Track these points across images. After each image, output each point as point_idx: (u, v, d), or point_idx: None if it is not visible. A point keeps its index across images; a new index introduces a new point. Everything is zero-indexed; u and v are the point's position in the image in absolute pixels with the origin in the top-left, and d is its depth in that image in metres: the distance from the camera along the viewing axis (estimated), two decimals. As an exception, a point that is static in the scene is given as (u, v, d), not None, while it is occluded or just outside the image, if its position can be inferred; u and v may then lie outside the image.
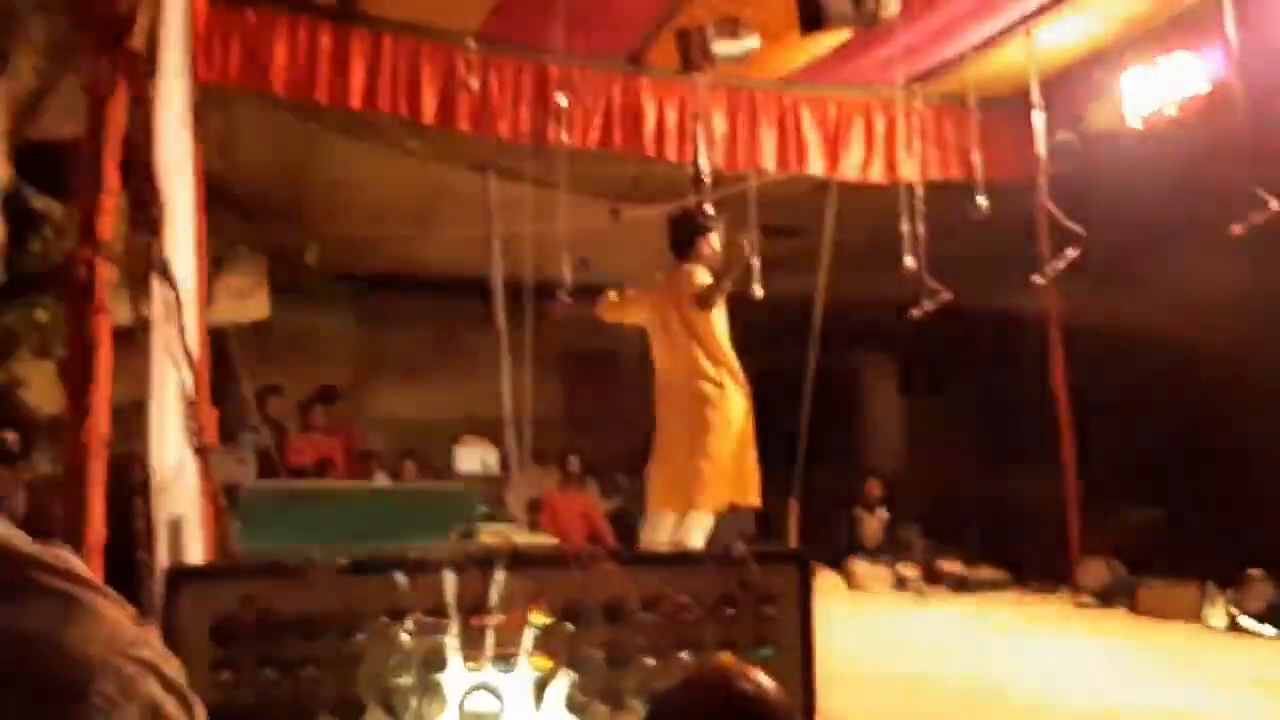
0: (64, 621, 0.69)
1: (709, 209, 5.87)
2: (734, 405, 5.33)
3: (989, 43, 6.44)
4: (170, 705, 0.73)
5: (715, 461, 5.24)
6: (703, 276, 5.39)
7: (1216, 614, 6.55)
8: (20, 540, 0.73)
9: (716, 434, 5.26)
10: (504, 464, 8.56)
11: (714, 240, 5.52)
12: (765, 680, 1.48)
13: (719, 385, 5.31)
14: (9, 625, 0.68)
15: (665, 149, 6.73)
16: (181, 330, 3.63)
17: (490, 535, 4.90)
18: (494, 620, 2.57)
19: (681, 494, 5.26)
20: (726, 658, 2.45)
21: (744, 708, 1.44)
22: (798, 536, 7.29)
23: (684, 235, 5.55)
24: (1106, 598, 7.33)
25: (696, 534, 5.19)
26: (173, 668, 0.74)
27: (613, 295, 5.73)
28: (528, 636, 2.59)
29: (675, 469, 5.31)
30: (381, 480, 8.81)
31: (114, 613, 0.73)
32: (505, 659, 2.57)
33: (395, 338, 10.82)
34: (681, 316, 5.39)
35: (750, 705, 1.44)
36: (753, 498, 5.42)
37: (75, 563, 0.74)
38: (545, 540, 6.64)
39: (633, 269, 5.99)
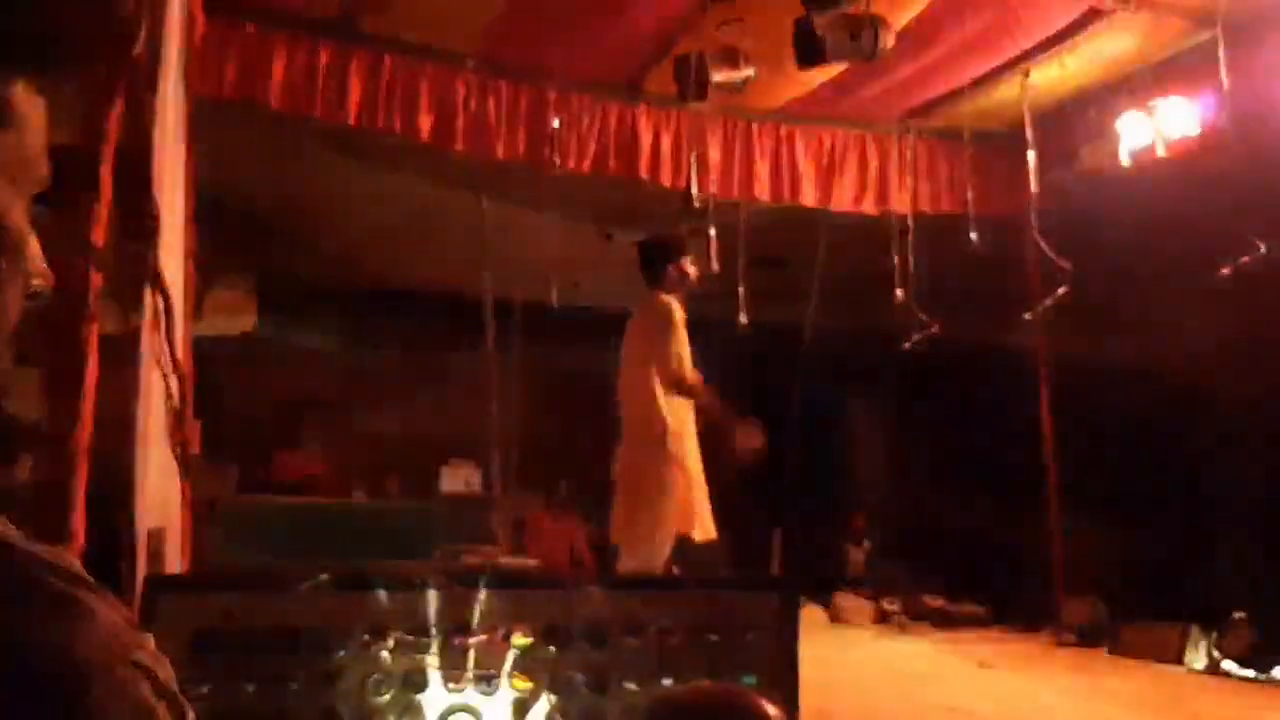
0: (60, 623, 0.68)
1: (680, 234, 5.85)
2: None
3: (984, 80, 6.48)
4: (162, 710, 0.72)
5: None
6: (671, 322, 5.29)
7: (1198, 656, 6.54)
8: (19, 539, 0.72)
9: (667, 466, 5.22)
10: (488, 485, 8.54)
11: (686, 264, 5.46)
12: (767, 704, 1.45)
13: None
14: (4, 624, 0.67)
15: (660, 175, 6.74)
16: (170, 341, 3.61)
17: (473, 555, 4.89)
18: (475, 640, 2.55)
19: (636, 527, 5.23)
20: (733, 684, 2.44)
21: None
22: (781, 567, 7.27)
23: (653, 260, 5.49)
24: (1089, 637, 7.32)
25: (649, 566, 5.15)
26: (165, 672, 0.73)
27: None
28: (509, 658, 2.57)
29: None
30: (361, 497, 8.78)
31: (111, 615, 0.72)
32: (486, 680, 2.54)
33: (383, 355, 10.78)
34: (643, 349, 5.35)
35: None
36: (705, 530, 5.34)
37: (74, 563, 0.73)
38: (528, 562, 6.61)
39: (623, 293, 5.98)
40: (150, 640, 0.74)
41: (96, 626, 0.70)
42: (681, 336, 5.20)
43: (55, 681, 0.66)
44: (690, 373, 5.16)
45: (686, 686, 2.23)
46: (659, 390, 5.21)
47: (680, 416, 5.25)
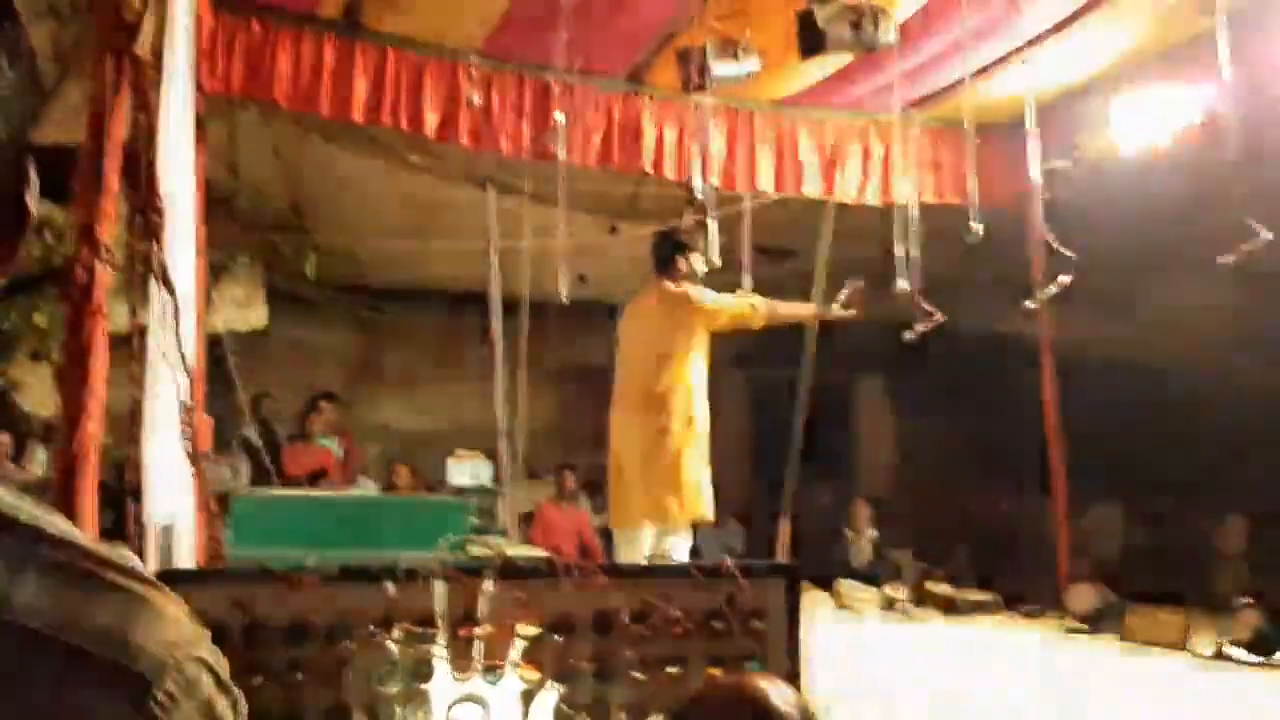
0: (130, 619, 0.69)
1: (691, 229, 5.93)
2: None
3: (986, 70, 6.48)
4: (222, 704, 0.74)
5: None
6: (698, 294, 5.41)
7: (1204, 642, 6.56)
8: (84, 537, 0.73)
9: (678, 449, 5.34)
10: (497, 477, 8.57)
11: (694, 260, 5.54)
12: (794, 696, 1.47)
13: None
14: (79, 620, 0.68)
15: (663, 167, 6.77)
16: (178, 336, 3.65)
17: (481, 547, 4.90)
18: (482, 631, 2.58)
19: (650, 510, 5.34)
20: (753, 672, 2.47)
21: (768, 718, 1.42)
22: (787, 555, 7.30)
23: (666, 252, 5.58)
24: (1095, 623, 7.33)
25: (676, 549, 5.25)
26: (223, 666, 0.75)
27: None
28: (515, 648, 2.60)
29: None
30: (367, 488, 8.82)
31: (175, 611, 0.73)
32: (493, 670, 2.58)
33: (391, 349, 10.82)
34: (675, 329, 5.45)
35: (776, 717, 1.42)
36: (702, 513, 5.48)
37: (135, 560, 0.75)
38: (536, 553, 6.65)
39: (630, 285, 6.02)
40: (208, 635, 0.75)
41: (165, 624, 0.71)
42: (711, 294, 5.35)
43: (130, 679, 0.68)
44: (750, 307, 5.41)
45: (712, 680, 2.25)
46: (688, 374, 5.31)
47: (701, 400, 5.37)
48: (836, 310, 5.68)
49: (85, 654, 0.67)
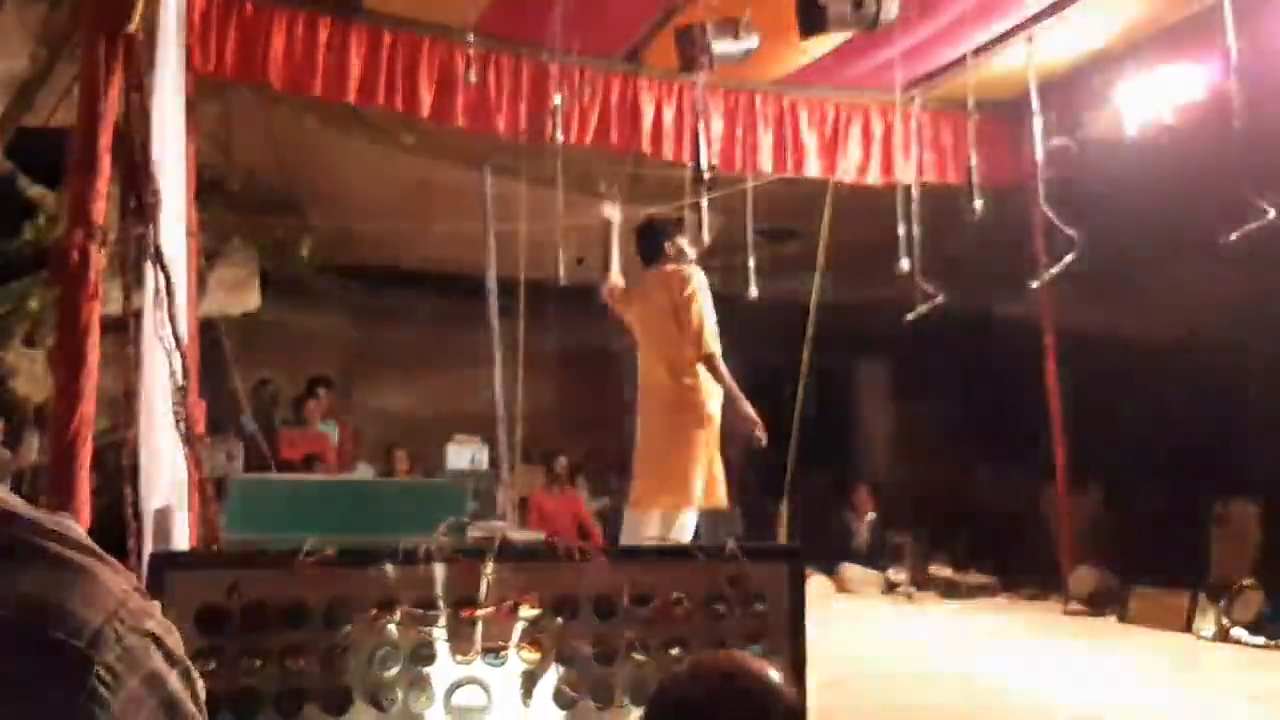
0: (67, 590, 0.67)
1: (679, 214, 5.88)
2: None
3: (987, 48, 6.44)
4: (173, 678, 0.71)
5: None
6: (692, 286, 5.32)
7: (1207, 623, 6.54)
8: (22, 506, 0.71)
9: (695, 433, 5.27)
10: (495, 462, 8.54)
11: (680, 242, 5.47)
12: (773, 670, 1.46)
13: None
14: (10, 592, 0.65)
15: (663, 148, 6.72)
16: (172, 319, 3.60)
17: (480, 531, 4.89)
18: (483, 613, 2.55)
19: (666, 493, 5.26)
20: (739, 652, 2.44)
21: (749, 694, 1.42)
22: (788, 538, 7.28)
23: (650, 241, 5.51)
24: (1097, 605, 7.32)
25: (681, 531, 5.20)
26: (174, 640, 0.73)
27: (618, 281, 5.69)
28: (517, 629, 2.57)
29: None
30: (364, 473, 8.80)
31: (118, 582, 0.71)
32: (494, 652, 2.55)
33: (388, 333, 10.78)
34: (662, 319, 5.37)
35: (757, 693, 1.42)
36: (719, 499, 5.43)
37: (79, 530, 0.72)
38: (536, 535, 6.64)
39: (627, 268, 5.97)
40: (158, 608, 0.73)
41: (105, 594, 0.69)
42: (707, 305, 5.23)
43: (65, 650, 0.65)
44: (716, 345, 5.22)
45: (695, 657, 2.22)
46: (691, 360, 5.24)
47: (710, 387, 5.30)
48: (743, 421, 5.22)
49: (15, 628, 0.64)
